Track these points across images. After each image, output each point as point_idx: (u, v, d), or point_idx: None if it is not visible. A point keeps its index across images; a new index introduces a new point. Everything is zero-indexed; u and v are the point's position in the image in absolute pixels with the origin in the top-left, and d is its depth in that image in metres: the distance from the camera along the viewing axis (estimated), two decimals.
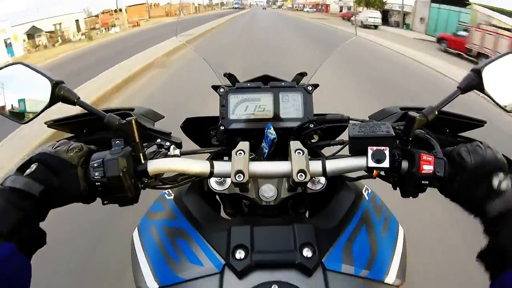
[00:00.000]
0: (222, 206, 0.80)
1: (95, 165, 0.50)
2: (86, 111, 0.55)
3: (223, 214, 0.79)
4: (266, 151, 0.64)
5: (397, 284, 0.54)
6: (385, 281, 0.53)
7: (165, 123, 0.75)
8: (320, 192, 0.68)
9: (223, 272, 0.50)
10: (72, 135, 0.72)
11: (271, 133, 0.62)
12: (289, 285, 0.47)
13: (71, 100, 0.53)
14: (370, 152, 0.50)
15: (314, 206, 0.71)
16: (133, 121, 0.51)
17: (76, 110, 0.62)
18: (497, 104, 0.53)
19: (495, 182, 0.48)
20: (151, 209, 0.68)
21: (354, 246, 0.54)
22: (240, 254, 0.50)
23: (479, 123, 0.69)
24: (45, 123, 0.70)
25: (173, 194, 0.69)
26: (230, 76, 0.74)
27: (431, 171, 0.49)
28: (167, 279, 0.52)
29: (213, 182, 0.68)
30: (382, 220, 0.63)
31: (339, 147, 0.65)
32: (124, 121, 0.52)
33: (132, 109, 0.72)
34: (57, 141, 0.55)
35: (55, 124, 0.71)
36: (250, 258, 0.49)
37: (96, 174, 0.49)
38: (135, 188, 0.53)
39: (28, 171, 0.49)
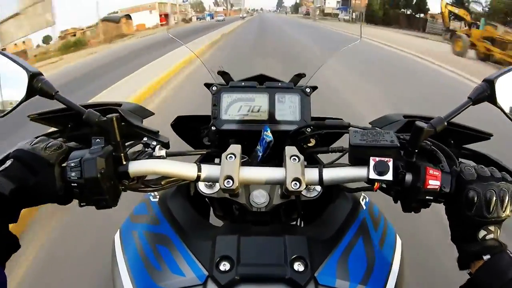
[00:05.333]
0: (212, 208, 0.77)
1: (72, 164, 0.46)
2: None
3: (212, 216, 0.76)
4: (261, 154, 0.61)
5: None
6: None
7: None
8: (315, 200, 0.65)
9: (205, 285, 0.47)
10: (56, 129, 0.69)
11: (268, 135, 0.58)
12: None
13: (49, 93, 0.49)
14: (372, 163, 0.47)
15: (308, 213, 0.68)
16: (114, 119, 0.48)
17: None
18: (510, 118, 0.50)
19: (481, 234, 0.46)
20: (134, 211, 0.65)
21: (349, 259, 0.52)
22: (224, 266, 0.47)
23: (485, 136, 0.66)
24: (28, 116, 0.66)
25: (158, 197, 0.65)
26: (223, 74, 0.71)
27: (438, 186, 0.46)
28: None
29: (201, 185, 0.65)
30: (380, 232, 0.60)
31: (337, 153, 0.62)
32: (105, 118, 0.48)
33: (120, 105, 0.68)
34: (36, 137, 0.51)
35: (39, 117, 0.67)
36: (235, 271, 0.46)
37: (73, 174, 0.46)
38: (115, 191, 0.49)
39: (1, 168, 0.46)
